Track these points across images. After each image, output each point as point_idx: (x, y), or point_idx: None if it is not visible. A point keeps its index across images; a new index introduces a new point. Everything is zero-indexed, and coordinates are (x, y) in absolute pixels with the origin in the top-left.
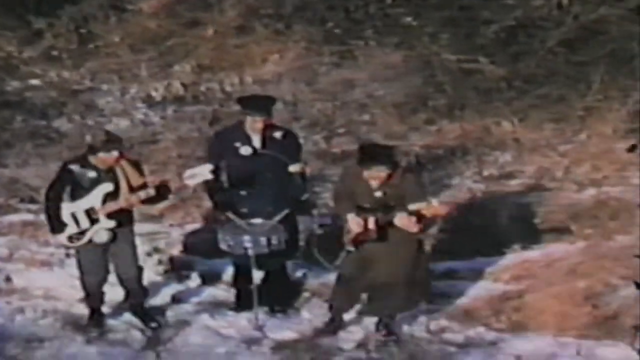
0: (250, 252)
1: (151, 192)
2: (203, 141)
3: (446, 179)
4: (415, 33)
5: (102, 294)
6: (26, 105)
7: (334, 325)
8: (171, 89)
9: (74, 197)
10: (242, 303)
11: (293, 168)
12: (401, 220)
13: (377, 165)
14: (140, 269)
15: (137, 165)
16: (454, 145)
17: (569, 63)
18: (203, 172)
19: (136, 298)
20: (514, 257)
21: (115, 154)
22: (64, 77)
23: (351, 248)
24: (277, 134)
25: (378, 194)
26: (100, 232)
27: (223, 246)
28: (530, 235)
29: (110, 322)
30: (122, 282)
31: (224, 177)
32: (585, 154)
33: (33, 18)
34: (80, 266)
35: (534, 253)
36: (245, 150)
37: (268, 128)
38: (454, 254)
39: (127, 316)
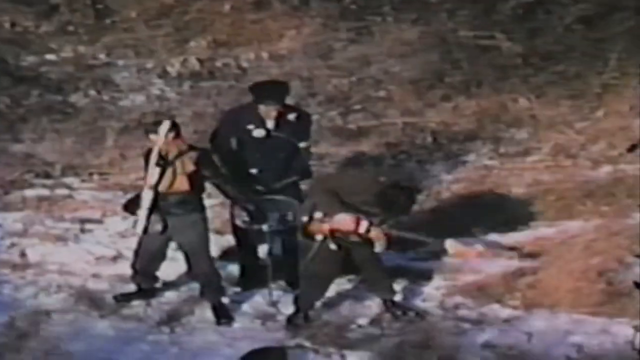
0: (265, 227)
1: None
2: (219, 117)
3: (462, 156)
4: (432, 9)
5: (154, 277)
6: (42, 80)
7: (301, 317)
8: (187, 65)
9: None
10: (247, 280)
11: (303, 144)
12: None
13: None
14: (213, 265)
15: (195, 152)
16: (470, 122)
17: (587, 40)
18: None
19: (212, 294)
20: (528, 234)
21: (169, 135)
22: (80, 52)
23: (333, 245)
24: (291, 116)
25: None
26: (154, 222)
27: (238, 222)
28: (545, 212)
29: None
30: (195, 276)
31: (240, 155)
32: (602, 131)
33: None
34: (137, 248)
35: (549, 230)
36: (258, 133)
37: (282, 112)
38: (469, 231)
39: None
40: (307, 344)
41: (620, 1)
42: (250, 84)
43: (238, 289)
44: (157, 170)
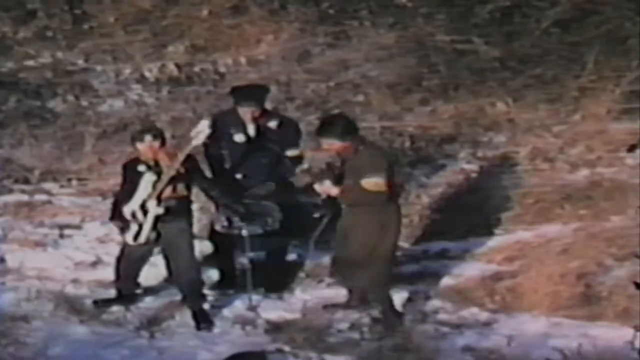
0: (244, 232)
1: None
2: (197, 122)
3: (440, 160)
4: (409, 13)
5: (135, 283)
6: (20, 85)
7: (355, 300)
8: (165, 70)
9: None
10: (226, 284)
11: (290, 153)
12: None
13: (328, 136)
14: (198, 272)
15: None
16: (448, 125)
17: (564, 43)
18: (203, 128)
19: (192, 302)
20: (507, 237)
21: (154, 144)
22: (58, 58)
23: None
24: (272, 124)
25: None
26: (150, 232)
27: (218, 227)
28: (524, 216)
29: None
30: (178, 282)
31: (225, 160)
32: (579, 134)
33: None
34: (120, 254)
35: (527, 234)
36: (239, 138)
37: (263, 116)
38: (447, 235)
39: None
40: (287, 348)
41: (597, 5)
42: (230, 88)
43: (218, 294)
44: (152, 179)
